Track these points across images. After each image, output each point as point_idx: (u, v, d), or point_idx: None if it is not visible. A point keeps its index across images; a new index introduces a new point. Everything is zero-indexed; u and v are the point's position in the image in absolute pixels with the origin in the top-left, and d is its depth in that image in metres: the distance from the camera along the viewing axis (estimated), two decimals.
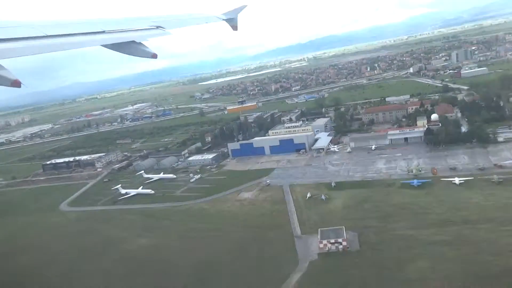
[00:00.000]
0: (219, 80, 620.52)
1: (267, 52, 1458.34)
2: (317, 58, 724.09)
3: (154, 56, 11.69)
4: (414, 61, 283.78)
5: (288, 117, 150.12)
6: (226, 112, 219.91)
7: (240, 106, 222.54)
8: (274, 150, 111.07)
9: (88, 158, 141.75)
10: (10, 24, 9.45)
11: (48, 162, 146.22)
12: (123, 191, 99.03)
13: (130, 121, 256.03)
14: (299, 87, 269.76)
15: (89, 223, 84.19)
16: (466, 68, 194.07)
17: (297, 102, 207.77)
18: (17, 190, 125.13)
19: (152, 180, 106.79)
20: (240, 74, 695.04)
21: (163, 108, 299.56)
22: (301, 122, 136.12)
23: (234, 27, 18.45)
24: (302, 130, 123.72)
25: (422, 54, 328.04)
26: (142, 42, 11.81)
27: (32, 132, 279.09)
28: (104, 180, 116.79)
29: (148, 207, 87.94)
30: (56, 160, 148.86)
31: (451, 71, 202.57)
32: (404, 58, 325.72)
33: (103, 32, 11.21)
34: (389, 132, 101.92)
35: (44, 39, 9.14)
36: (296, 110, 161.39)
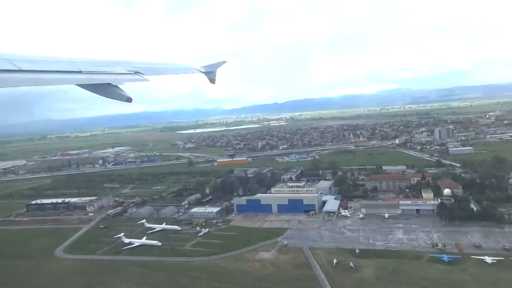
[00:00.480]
0: (198, 130, 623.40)
1: (243, 108, 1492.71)
2: (294, 119, 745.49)
3: (129, 100, 11.64)
4: (396, 133, 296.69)
5: (288, 176, 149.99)
6: (215, 164, 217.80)
7: (231, 159, 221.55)
8: (282, 209, 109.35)
9: (78, 201, 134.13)
10: None
11: (33, 202, 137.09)
12: (126, 240, 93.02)
13: (112, 164, 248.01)
14: (286, 146, 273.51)
15: (95, 274, 77.42)
16: (451, 146, 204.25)
17: (288, 161, 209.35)
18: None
19: (154, 230, 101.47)
20: (218, 126, 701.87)
21: (146, 154, 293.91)
22: (303, 182, 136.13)
23: (212, 81, 18.76)
24: (306, 190, 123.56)
25: (401, 127, 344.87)
26: (118, 86, 11.94)
27: (4, 167, 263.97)
28: (100, 226, 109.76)
29: (158, 260, 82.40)
30: (41, 200, 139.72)
31: (437, 146, 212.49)
32: (385, 129, 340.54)
33: (80, 72, 11.30)
34: (400, 202, 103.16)
35: (18, 74, 9.07)
36: (294, 170, 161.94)
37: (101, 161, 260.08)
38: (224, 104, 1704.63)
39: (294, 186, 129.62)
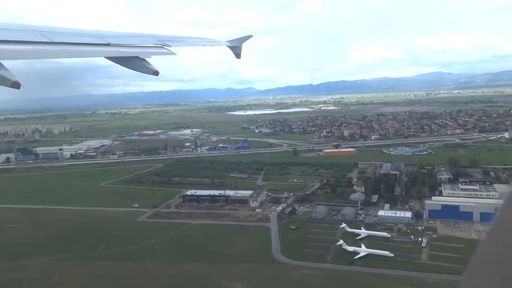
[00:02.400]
0: (248, 112, 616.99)
1: (277, 88, 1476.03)
2: (341, 103, 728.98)
3: (156, 73, 11.70)
4: (489, 124, 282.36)
5: (442, 176, 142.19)
6: (321, 154, 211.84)
7: (338, 150, 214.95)
8: (485, 217, 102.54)
9: (239, 194, 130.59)
10: (15, 27, 9.41)
11: (189, 193, 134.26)
12: (349, 248, 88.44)
13: (207, 149, 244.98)
14: (378, 135, 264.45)
15: None
16: None
17: (402, 154, 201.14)
18: (174, 224, 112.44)
19: (361, 236, 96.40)
20: (265, 108, 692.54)
21: (228, 139, 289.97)
22: (476, 184, 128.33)
23: (238, 55, 18.89)
24: (486, 195, 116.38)
25: (483, 117, 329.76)
26: (145, 59, 11.76)
27: (95, 146, 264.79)
28: (291, 227, 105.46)
29: (410, 276, 77.55)
30: (196, 191, 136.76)
31: None
32: (467, 118, 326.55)
33: (109, 44, 11.11)
34: None
35: (50, 45, 9.04)
36: (442, 168, 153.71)
37: (193, 145, 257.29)
38: (257, 84, 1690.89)
39: (469, 189, 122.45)
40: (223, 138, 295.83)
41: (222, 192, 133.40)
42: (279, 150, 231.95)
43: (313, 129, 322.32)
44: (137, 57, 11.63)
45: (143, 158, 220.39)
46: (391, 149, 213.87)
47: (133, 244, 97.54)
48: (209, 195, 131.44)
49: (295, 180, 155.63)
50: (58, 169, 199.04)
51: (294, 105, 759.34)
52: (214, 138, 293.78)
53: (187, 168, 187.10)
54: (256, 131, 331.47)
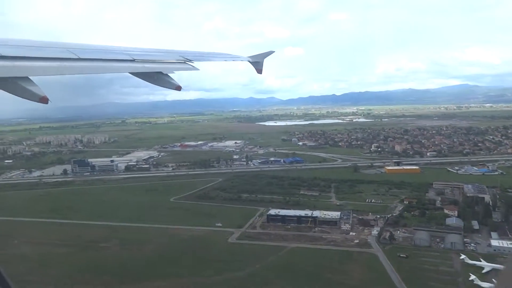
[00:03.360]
0: (279, 123, 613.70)
1: (299, 98, 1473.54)
2: (371, 114, 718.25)
3: (178, 88, 11.83)
4: None
5: None
6: (383, 171, 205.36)
7: (400, 167, 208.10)
8: None
9: (326, 215, 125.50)
10: (43, 44, 9.64)
11: (272, 213, 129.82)
12: (484, 285, 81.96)
13: (259, 162, 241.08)
14: (434, 152, 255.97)
15: None
16: None
17: (471, 174, 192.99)
18: (270, 248, 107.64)
19: (486, 270, 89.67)
20: (294, 119, 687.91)
21: (275, 151, 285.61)
22: None
23: (259, 71, 19.06)
24: None
25: None
26: (168, 74, 12.03)
27: (144, 158, 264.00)
28: (400, 255, 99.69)
29: None
30: (279, 211, 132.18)
31: None
32: None
33: (133, 60, 11.51)
34: None
35: (77, 62, 9.30)
36: None
37: (235, 156, 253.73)
38: (279, 94, 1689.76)
39: None
40: (269, 151, 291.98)
41: (308, 212, 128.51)
42: (336, 166, 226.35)
43: (358, 143, 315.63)
44: (160, 72, 11.83)
45: (198, 172, 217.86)
46: (456, 168, 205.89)
47: (239, 270, 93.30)
48: (295, 216, 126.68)
49: (373, 200, 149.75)
50: (118, 182, 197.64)
51: (322, 116, 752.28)
52: (261, 151, 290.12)
53: (251, 184, 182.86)
54: (300, 143, 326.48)
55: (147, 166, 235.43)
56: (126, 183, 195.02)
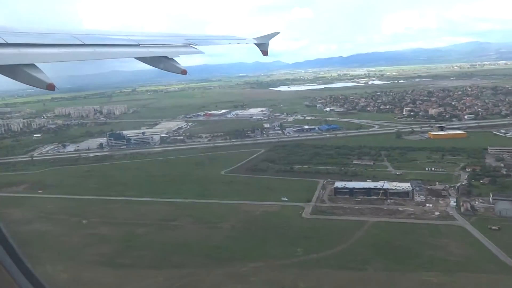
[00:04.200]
0: (293, 88, 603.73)
1: (306, 61, 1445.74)
2: (384, 76, 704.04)
3: (184, 72, 11.84)
4: None
5: None
6: (426, 137, 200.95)
7: (445, 132, 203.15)
8: None
9: (396, 187, 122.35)
10: (50, 31, 9.68)
11: (340, 186, 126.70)
12: None
13: (295, 131, 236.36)
14: (472, 115, 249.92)
15: None
16: None
17: None
18: (350, 223, 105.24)
19: None
20: (308, 83, 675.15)
21: (303, 118, 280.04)
22: None
23: (265, 52, 19.56)
24: None
25: None
26: (173, 58, 11.86)
27: (173, 129, 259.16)
28: (491, 227, 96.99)
29: None
30: (345, 183, 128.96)
31: None
32: None
33: (138, 45, 11.41)
34: None
35: (82, 48, 9.27)
36: None
37: (266, 125, 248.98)
38: (284, 57, 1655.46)
39: None
40: (298, 118, 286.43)
41: (377, 184, 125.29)
42: (375, 133, 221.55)
43: (387, 107, 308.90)
44: (165, 56, 11.70)
45: (235, 143, 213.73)
46: (502, 131, 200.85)
47: (329, 247, 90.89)
48: (364, 188, 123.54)
49: (433, 169, 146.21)
50: (159, 156, 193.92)
51: (334, 79, 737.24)
52: (290, 119, 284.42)
53: (296, 154, 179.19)
54: (326, 109, 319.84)
55: (181, 137, 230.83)
56: (168, 156, 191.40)
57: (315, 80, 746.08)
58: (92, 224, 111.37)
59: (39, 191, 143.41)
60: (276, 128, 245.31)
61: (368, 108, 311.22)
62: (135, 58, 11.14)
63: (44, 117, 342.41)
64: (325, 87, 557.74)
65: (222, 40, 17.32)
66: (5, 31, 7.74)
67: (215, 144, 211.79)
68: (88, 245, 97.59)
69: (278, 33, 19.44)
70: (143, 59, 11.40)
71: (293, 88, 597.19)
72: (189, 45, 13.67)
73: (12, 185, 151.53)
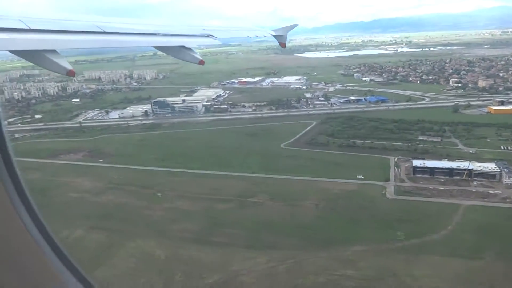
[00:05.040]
0: (318, 54, 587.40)
1: (325, 26, 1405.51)
2: (413, 43, 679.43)
3: (202, 62, 11.69)
4: None
5: None
6: (485, 111, 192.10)
7: (508, 107, 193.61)
8: None
9: (481, 167, 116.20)
10: (71, 18, 9.75)
11: (419, 164, 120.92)
12: None
13: (340, 102, 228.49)
14: None
15: None
16: None
17: None
18: (441, 205, 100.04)
19: None
20: (333, 50, 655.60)
21: (343, 88, 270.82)
22: None
23: (283, 45, 20.27)
24: None
25: None
26: (191, 48, 11.74)
27: (213, 97, 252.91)
28: None
29: None
30: (423, 162, 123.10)
31: None
32: None
33: (157, 34, 11.34)
34: None
35: (102, 35, 9.21)
36: None
37: (308, 95, 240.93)
38: (305, 21, 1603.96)
39: None
40: (339, 88, 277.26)
41: (459, 164, 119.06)
42: (428, 106, 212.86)
43: (430, 77, 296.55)
44: (183, 46, 11.55)
45: (282, 114, 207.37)
46: None
47: (431, 232, 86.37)
48: (446, 168, 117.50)
49: (509, 147, 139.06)
50: (208, 125, 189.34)
51: (360, 46, 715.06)
52: (331, 88, 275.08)
53: (353, 128, 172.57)
54: (365, 79, 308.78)
55: (225, 106, 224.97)
56: (218, 126, 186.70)
57: (339, 46, 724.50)
58: (167, 198, 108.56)
59: (100, 160, 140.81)
60: (320, 99, 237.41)
61: (410, 79, 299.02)
62: (153, 47, 11.20)
63: (75, 81, 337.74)
64: (353, 54, 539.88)
65: (240, 31, 17.68)
66: (28, 17, 7.55)
67: (263, 115, 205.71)
68: (173, 221, 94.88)
69: (296, 25, 20.00)
70: (161, 48, 11.55)
71: (319, 55, 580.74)
72: (208, 35, 13.73)
73: (70, 152, 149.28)
